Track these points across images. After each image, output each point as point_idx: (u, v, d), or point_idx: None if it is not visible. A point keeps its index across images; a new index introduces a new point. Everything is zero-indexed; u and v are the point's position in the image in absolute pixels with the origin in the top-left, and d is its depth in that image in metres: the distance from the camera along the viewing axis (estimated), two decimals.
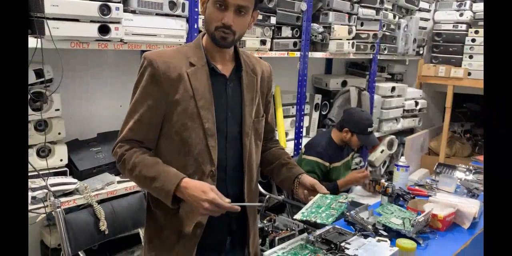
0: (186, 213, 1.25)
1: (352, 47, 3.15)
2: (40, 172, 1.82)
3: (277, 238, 2.14)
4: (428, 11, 4.25)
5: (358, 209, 1.56)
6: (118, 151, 1.25)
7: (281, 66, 2.83)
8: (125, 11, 1.84)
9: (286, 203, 2.55)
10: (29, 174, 1.80)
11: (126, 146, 1.24)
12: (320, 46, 2.99)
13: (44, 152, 1.92)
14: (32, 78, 1.81)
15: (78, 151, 2.05)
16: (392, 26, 3.71)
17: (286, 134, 2.97)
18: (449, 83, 4.00)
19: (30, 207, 1.72)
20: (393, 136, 3.92)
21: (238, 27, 1.21)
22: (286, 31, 2.67)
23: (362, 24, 3.25)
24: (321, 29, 2.85)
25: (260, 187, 2.35)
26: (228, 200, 1.13)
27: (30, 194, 1.73)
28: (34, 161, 1.84)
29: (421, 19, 4.12)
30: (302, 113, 2.95)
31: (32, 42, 1.62)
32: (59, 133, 1.96)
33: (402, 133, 4.14)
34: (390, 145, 3.90)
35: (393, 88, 3.79)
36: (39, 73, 1.83)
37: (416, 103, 4.08)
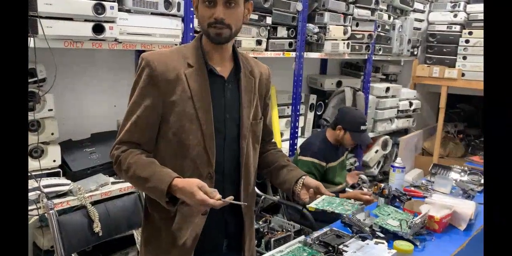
0: (184, 216, 1.24)
1: (347, 48, 3.15)
2: (33, 173, 1.79)
3: (272, 239, 2.13)
4: (423, 12, 4.27)
5: (351, 212, 1.55)
6: (115, 153, 1.23)
7: (277, 66, 2.81)
8: (120, 10, 1.82)
9: (281, 204, 2.54)
10: None
11: (122, 148, 1.23)
12: (315, 47, 2.98)
13: (36, 152, 1.89)
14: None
15: (72, 151, 2.03)
16: (387, 27, 3.72)
17: (281, 134, 2.96)
18: (443, 84, 4.02)
19: None
20: (387, 137, 3.93)
21: (231, 20, 1.20)
22: (282, 31, 2.66)
23: (357, 25, 3.25)
24: (316, 30, 2.85)
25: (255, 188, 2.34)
26: (219, 196, 1.10)
27: None
28: None
29: (416, 19, 4.14)
30: (298, 113, 2.95)
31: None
32: (52, 134, 1.93)
33: (396, 134, 4.15)
34: (384, 145, 3.91)
35: (387, 89, 3.80)
36: (31, 73, 1.81)
37: (410, 104, 4.09)
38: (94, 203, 1.88)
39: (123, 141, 1.24)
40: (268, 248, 2.12)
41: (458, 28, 4.12)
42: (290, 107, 2.96)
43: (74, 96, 2.22)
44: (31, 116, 1.82)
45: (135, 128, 1.22)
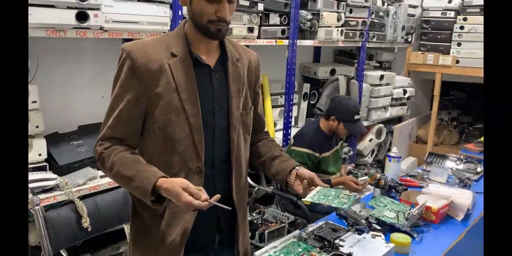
0: (173, 213, 1.19)
1: (341, 35, 3.08)
2: None
3: (266, 231, 2.10)
4: None
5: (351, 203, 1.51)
6: (98, 150, 1.18)
7: (269, 55, 2.74)
8: None
9: (276, 195, 2.50)
10: None
11: (106, 144, 1.17)
12: (308, 34, 2.91)
13: None
14: None
15: (58, 144, 1.96)
16: (381, 13, 3.65)
17: (275, 124, 2.91)
18: (437, 71, 3.98)
19: None
20: (381, 125, 3.90)
21: (230, 16, 1.15)
22: (274, 18, 2.58)
23: (351, 11, 3.18)
24: (309, 16, 2.78)
25: (249, 179, 2.30)
26: (205, 197, 1.06)
27: None
28: None
29: (410, 6, 4.06)
30: (291, 102, 2.89)
31: None
32: (37, 126, 1.86)
33: (390, 122, 4.13)
34: (378, 133, 3.88)
35: (381, 77, 3.75)
36: None
37: (405, 92, 4.06)
38: (83, 197, 1.83)
39: (106, 137, 1.18)
40: (262, 240, 2.09)
41: (452, 14, 4.06)
42: (283, 96, 2.90)
43: (59, 87, 2.14)
44: None
45: (117, 123, 1.17)
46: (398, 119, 4.33)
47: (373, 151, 3.95)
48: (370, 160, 3.89)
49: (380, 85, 3.77)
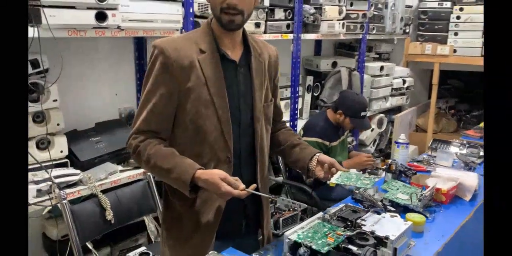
0: (205, 201, 1.27)
1: (343, 28, 3.15)
2: (43, 164, 1.79)
3: (281, 218, 2.19)
4: None
5: (362, 188, 1.60)
6: (132, 143, 1.24)
7: None
8: None
9: (286, 184, 2.59)
10: (31, 166, 1.78)
11: (140, 137, 1.23)
12: (311, 28, 2.98)
13: (43, 144, 1.89)
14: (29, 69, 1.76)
15: (78, 141, 2.03)
16: (380, 5, 3.72)
17: None
18: (436, 61, 4.07)
19: (35, 200, 1.70)
20: (382, 115, 3.99)
21: (243, 5, 1.19)
22: (279, 13, 2.65)
23: (351, 4, 3.25)
24: (312, 10, 2.85)
25: None
26: (242, 186, 1.14)
27: (35, 187, 1.71)
28: (34, 154, 1.81)
29: None
30: (297, 95, 2.97)
31: (29, 31, 1.57)
32: (58, 124, 1.93)
33: (390, 112, 4.21)
34: (380, 123, 3.97)
35: (381, 68, 3.83)
36: (34, 63, 1.79)
37: (404, 81, 4.14)
38: (104, 191, 1.90)
39: (140, 130, 1.24)
40: (277, 228, 2.18)
41: (449, 4, 4.15)
42: (289, 89, 2.97)
43: (75, 86, 2.20)
44: (36, 107, 1.81)
45: (151, 116, 1.23)
46: (398, 109, 4.43)
47: (374, 140, 4.04)
48: (372, 150, 3.99)
49: (380, 76, 3.85)
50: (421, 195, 1.50)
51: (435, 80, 4.10)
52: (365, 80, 3.68)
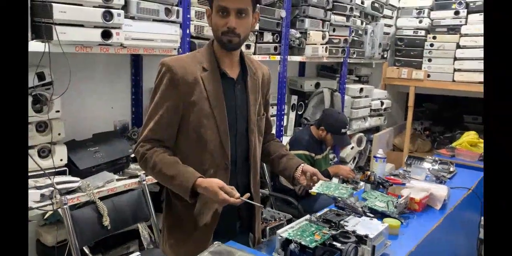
0: (204, 203, 1.39)
1: (326, 51, 3.38)
2: (41, 172, 1.88)
3: (268, 227, 2.31)
4: (391, 17, 4.59)
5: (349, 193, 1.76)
6: (140, 150, 1.37)
7: None
8: (125, 17, 1.95)
9: (272, 196, 2.73)
10: (34, 173, 1.87)
11: (147, 146, 1.36)
12: (297, 51, 3.20)
13: (44, 152, 1.99)
14: (35, 81, 1.88)
15: (77, 151, 2.12)
16: (360, 32, 3.99)
17: None
18: (411, 84, 4.34)
19: (37, 204, 1.79)
20: (361, 134, 4.20)
21: (241, 29, 1.35)
22: (268, 36, 2.86)
23: (334, 30, 3.50)
24: (298, 35, 3.06)
25: None
26: (237, 195, 1.27)
27: (38, 191, 1.80)
28: (36, 161, 1.90)
29: (385, 25, 4.44)
30: (282, 113, 3.15)
31: (40, 46, 1.70)
32: (59, 134, 2.03)
33: (369, 131, 4.44)
34: (359, 142, 4.18)
35: (361, 89, 4.07)
36: (41, 76, 1.91)
37: (382, 103, 4.39)
38: (101, 198, 2.00)
39: (148, 139, 1.37)
40: (264, 236, 2.29)
41: (423, 33, 4.47)
42: (275, 107, 3.15)
43: (75, 98, 2.31)
44: (40, 117, 1.92)
45: (158, 126, 1.36)
46: (376, 129, 4.66)
47: (354, 158, 4.24)
48: (352, 167, 4.17)
49: (360, 97, 4.08)
50: (397, 202, 1.67)
51: (411, 102, 4.36)
52: (346, 100, 3.90)
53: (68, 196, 1.89)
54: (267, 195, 2.73)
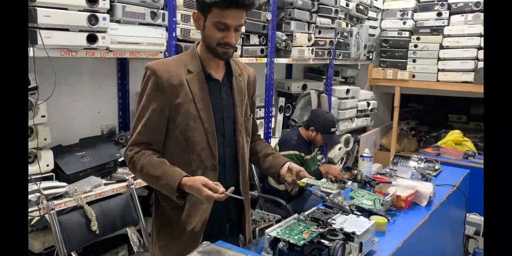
0: (193, 205, 1.40)
1: (312, 53, 3.42)
2: (33, 177, 1.87)
3: (257, 228, 2.32)
4: (376, 19, 4.66)
5: (332, 195, 1.78)
6: (128, 154, 1.38)
7: None
8: (110, 21, 1.95)
9: (262, 198, 2.74)
10: None
11: (135, 149, 1.37)
12: (283, 53, 3.22)
13: (30, 158, 1.97)
14: None
15: (63, 156, 2.11)
16: (345, 34, 4.04)
17: None
18: (396, 85, 4.41)
19: None
20: (349, 135, 4.24)
21: (236, 41, 1.38)
22: (254, 39, 2.88)
23: (319, 32, 3.54)
24: (284, 37, 3.09)
25: None
26: (222, 190, 1.27)
27: None
28: None
29: (370, 27, 4.50)
30: (270, 114, 3.17)
31: None
32: (45, 139, 2.01)
33: (356, 132, 4.48)
34: (346, 142, 4.22)
35: (347, 91, 4.11)
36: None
37: (368, 104, 4.44)
38: (89, 203, 1.98)
39: (136, 142, 1.38)
40: (254, 237, 2.30)
41: (407, 34, 4.54)
42: (263, 109, 3.17)
43: (60, 103, 2.29)
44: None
45: (145, 129, 1.37)
46: (363, 129, 4.71)
47: (342, 158, 4.27)
48: (340, 167, 4.21)
49: (346, 98, 4.12)
50: (384, 200, 1.69)
51: (397, 103, 4.42)
52: (333, 102, 3.94)
53: (55, 202, 1.88)
54: (256, 196, 2.73)
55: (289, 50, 3.17)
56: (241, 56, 2.77)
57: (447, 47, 4.27)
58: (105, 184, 2.13)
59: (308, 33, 3.34)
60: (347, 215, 1.46)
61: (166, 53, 2.28)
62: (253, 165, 1.90)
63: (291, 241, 1.23)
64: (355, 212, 1.65)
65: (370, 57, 4.65)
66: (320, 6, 3.45)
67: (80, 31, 1.84)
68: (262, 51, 2.94)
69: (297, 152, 2.58)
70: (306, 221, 1.39)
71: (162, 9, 2.20)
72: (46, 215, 1.80)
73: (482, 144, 3.66)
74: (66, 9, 1.77)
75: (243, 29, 2.72)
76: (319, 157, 3.79)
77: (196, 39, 1.74)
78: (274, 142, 3.02)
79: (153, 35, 2.16)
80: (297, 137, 2.67)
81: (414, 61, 4.48)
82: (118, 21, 2.00)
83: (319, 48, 3.55)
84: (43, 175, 1.99)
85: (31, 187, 1.85)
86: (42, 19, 1.69)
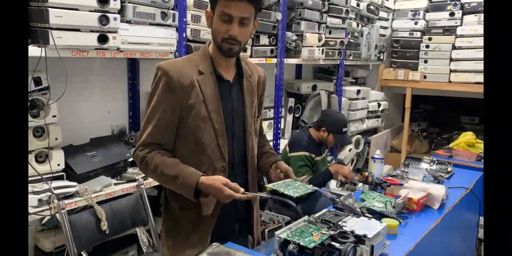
0: (202, 205, 1.39)
1: (322, 54, 3.39)
2: (38, 177, 1.88)
3: (266, 230, 2.30)
4: (387, 20, 4.61)
5: (343, 197, 1.76)
6: (139, 154, 1.37)
7: None
8: (121, 21, 1.95)
9: (273, 199, 2.72)
10: (30, 179, 1.87)
11: (146, 149, 1.37)
12: (293, 53, 3.21)
13: (41, 157, 1.98)
14: (31, 85, 1.88)
15: (74, 155, 2.12)
16: (356, 34, 4.01)
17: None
18: (408, 86, 4.36)
19: (35, 210, 1.78)
20: (359, 136, 4.20)
21: (242, 37, 1.36)
22: (264, 39, 2.87)
23: (330, 32, 3.51)
24: (294, 37, 3.08)
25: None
26: (242, 190, 1.28)
27: (36, 197, 1.79)
28: (33, 166, 1.90)
29: (381, 27, 4.46)
30: (280, 115, 3.15)
31: (37, 51, 1.70)
32: (56, 139, 2.03)
33: (366, 133, 4.44)
34: (357, 144, 4.18)
35: (358, 91, 4.08)
36: (37, 81, 1.91)
37: (379, 105, 4.40)
38: (99, 203, 1.99)
39: (146, 143, 1.37)
40: (263, 238, 2.29)
41: (419, 34, 4.49)
42: (272, 110, 3.15)
43: (71, 103, 2.31)
44: (36, 122, 1.92)
45: (156, 130, 1.36)
46: (374, 131, 4.66)
47: (352, 160, 4.24)
48: (350, 169, 4.17)
49: (357, 99, 4.09)
50: (395, 203, 1.67)
51: (408, 104, 4.37)
52: (343, 102, 3.91)
53: (66, 201, 1.89)
54: (265, 198, 2.72)
55: (299, 50, 3.16)
56: (251, 56, 2.77)
57: (460, 48, 4.22)
58: (115, 184, 2.14)
59: (319, 33, 3.32)
60: (358, 217, 1.44)
61: (176, 53, 2.28)
62: None
63: (302, 243, 1.21)
64: (366, 214, 1.63)
65: (381, 57, 4.61)
66: (331, 6, 3.42)
67: (91, 31, 1.85)
68: (272, 51, 2.93)
69: (307, 153, 2.56)
70: (316, 223, 1.38)
71: (172, 9, 2.20)
72: (57, 215, 1.82)
73: None
74: (77, 9, 1.78)
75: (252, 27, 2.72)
76: (328, 158, 3.76)
77: (207, 39, 1.73)
78: (283, 143, 3.01)
79: (163, 35, 2.16)
80: (308, 138, 2.65)
81: (425, 61, 4.42)
82: (128, 22, 2.00)
83: (329, 49, 3.53)
84: (54, 175, 2.02)
85: (42, 186, 1.86)
86: (53, 20, 1.70)
